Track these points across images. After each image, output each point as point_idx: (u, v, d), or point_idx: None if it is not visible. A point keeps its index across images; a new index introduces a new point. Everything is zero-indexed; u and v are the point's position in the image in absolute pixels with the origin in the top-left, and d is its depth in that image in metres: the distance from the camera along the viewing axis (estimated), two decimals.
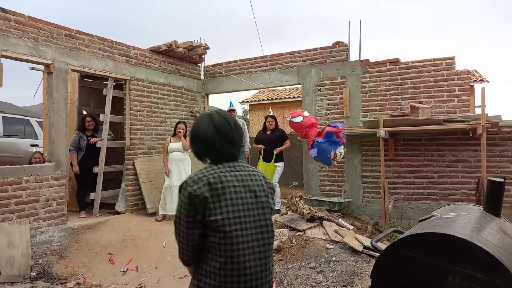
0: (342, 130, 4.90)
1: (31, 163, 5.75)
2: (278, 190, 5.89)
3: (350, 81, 6.06)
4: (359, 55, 6.12)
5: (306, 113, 5.29)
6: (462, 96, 5.45)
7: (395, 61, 5.84)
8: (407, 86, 5.72)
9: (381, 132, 5.08)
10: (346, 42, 6.22)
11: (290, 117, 5.25)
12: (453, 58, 5.55)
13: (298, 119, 5.14)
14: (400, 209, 5.50)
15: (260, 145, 6.03)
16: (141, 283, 3.97)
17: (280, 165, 5.92)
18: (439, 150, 5.46)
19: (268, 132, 6.09)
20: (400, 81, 5.77)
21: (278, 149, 5.83)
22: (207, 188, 1.50)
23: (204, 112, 1.73)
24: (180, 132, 5.73)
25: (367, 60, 6.02)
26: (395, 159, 5.67)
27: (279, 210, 5.76)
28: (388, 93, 5.83)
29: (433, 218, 1.98)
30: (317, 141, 4.85)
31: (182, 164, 5.69)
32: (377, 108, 5.87)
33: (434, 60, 5.61)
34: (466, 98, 5.48)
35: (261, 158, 5.98)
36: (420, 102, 5.57)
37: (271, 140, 5.93)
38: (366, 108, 5.94)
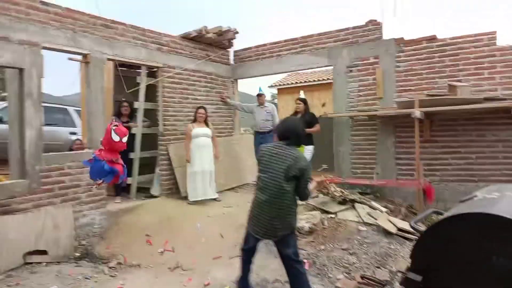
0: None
1: (71, 150, 6.04)
2: None
3: (384, 61, 5.87)
4: (394, 33, 5.91)
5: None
6: (505, 73, 5.15)
7: (432, 39, 5.58)
8: (445, 64, 5.47)
9: (417, 113, 4.91)
10: (379, 20, 6.01)
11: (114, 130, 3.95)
12: (494, 33, 5.23)
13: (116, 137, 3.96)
14: (436, 191, 5.34)
15: None
16: (178, 262, 4.11)
17: (310, 148, 5.87)
18: (478, 130, 5.22)
19: (298, 116, 6.04)
20: (437, 59, 5.52)
21: (306, 130, 5.75)
22: (260, 153, 2.99)
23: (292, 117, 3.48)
24: (201, 117, 5.80)
25: (402, 39, 5.79)
26: (431, 140, 5.48)
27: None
28: (424, 72, 5.60)
29: (475, 198, 1.91)
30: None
31: (206, 150, 5.77)
32: (413, 88, 5.66)
33: (475, 36, 5.31)
34: (509, 75, 5.17)
35: None
36: (459, 81, 5.32)
37: None
38: (401, 88, 5.75)
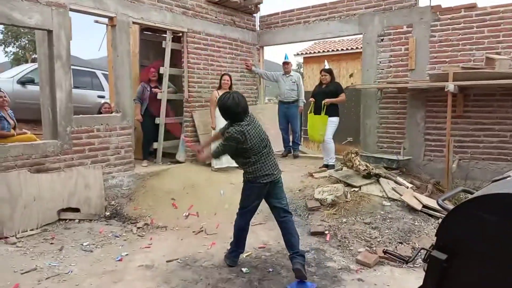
0: None
1: (100, 113, 6.19)
2: (332, 145, 5.78)
3: (418, 29, 5.58)
4: (430, 0, 5.57)
5: None
6: None
7: (471, 7, 5.23)
8: (484, 35, 5.15)
9: (450, 86, 4.71)
10: None
11: None
12: None
13: None
14: (465, 169, 5.21)
15: (311, 99, 5.87)
16: (202, 227, 4.26)
17: (334, 119, 5.71)
18: None
19: (323, 86, 5.88)
20: (476, 29, 5.20)
21: (328, 100, 5.55)
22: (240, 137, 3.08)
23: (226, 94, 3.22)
24: (226, 83, 5.75)
25: (439, 6, 5.46)
26: (464, 116, 5.27)
27: (333, 165, 5.72)
28: (460, 43, 5.30)
29: (509, 178, 1.84)
30: None
31: None
32: (447, 60, 5.39)
33: None
34: None
35: (310, 111, 5.84)
36: (498, 53, 5.02)
37: (324, 94, 5.68)
38: (435, 60, 5.49)
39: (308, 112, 5.91)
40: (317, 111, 5.71)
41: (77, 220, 4.29)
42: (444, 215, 1.75)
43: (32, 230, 3.96)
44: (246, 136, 3.07)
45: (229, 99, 3.11)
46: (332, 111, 5.66)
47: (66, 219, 4.27)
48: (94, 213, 4.47)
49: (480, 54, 5.15)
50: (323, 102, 5.56)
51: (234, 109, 3.10)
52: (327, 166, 5.75)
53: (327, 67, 6.12)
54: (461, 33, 5.29)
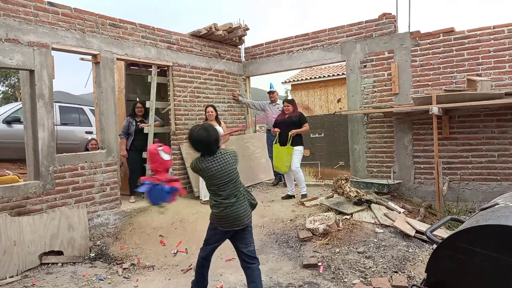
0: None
1: (87, 149, 6.10)
2: (301, 175, 5.76)
3: (399, 55, 5.69)
4: (409, 26, 5.71)
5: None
6: None
7: (449, 31, 5.37)
8: (463, 58, 5.27)
9: (434, 109, 4.74)
10: (393, 13, 5.81)
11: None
12: None
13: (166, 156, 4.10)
14: (456, 190, 5.17)
15: (276, 129, 5.87)
16: (191, 264, 4.09)
17: (300, 148, 5.75)
18: (500, 127, 5.02)
19: (286, 116, 5.89)
20: (455, 53, 5.31)
21: (294, 131, 5.62)
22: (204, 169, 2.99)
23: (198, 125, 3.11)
24: (211, 115, 5.75)
25: (418, 32, 5.60)
26: (450, 138, 5.30)
27: (305, 195, 5.66)
28: (441, 66, 5.40)
29: (497, 206, 1.80)
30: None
31: None
32: (429, 83, 5.47)
33: (494, 27, 5.09)
34: None
35: (275, 142, 5.84)
36: (478, 75, 5.11)
37: (287, 124, 5.73)
38: (417, 83, 5.57)
39: (274, 142, 5.89)
40: (282, 141, 5.72)
41: (60, 264, 4.11)
42: (433, 250, 1.68)
43: (12, 277, 3.77)
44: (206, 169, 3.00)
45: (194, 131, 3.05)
46: (297, 141, 5.71)
47: (48, 263, 4.08)
48: (78, 255, 4.29)
49: (462, 77, 5.25)
50: (289, 133, 5.59)
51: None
52: (304, 196, 5.68)
53: (290, 98, 6.16)
54: (441, 56, 5.40)
